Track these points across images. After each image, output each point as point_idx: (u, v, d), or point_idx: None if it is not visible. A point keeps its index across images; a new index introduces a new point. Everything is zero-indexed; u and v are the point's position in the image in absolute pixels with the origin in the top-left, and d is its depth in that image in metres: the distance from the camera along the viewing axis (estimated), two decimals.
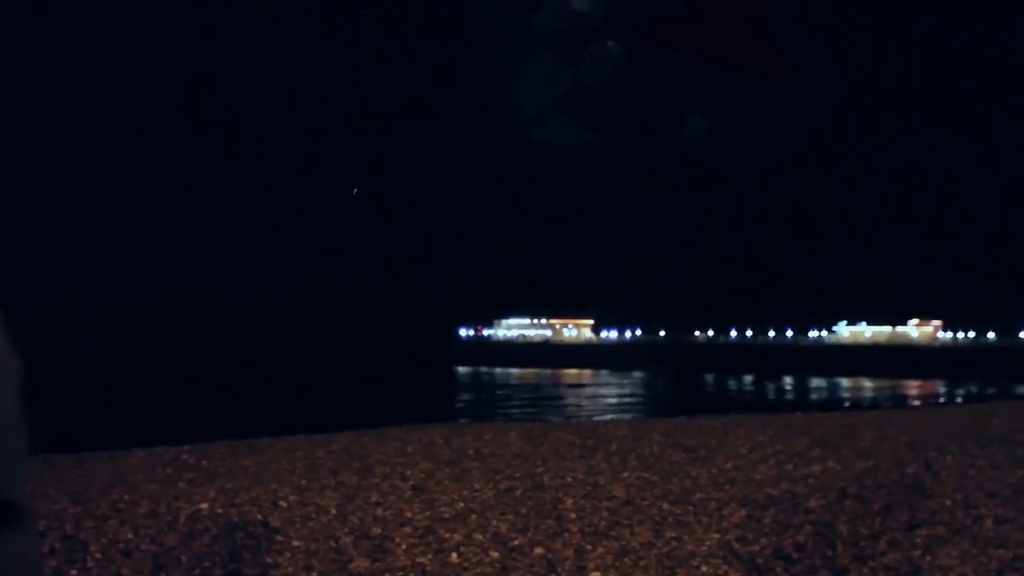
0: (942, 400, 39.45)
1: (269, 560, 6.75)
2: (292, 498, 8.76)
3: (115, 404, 30.31)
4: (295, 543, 7.18)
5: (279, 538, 7.32)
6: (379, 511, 8.25)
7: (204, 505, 8.39)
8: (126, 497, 8.84)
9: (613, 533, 7.47)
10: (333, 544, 7.16)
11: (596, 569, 6.47)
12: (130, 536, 7.36)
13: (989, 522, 7.65)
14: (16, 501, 1.37)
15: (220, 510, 8.22)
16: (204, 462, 11.34)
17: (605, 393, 45.36)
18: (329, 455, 11.86)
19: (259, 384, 45.10)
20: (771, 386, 52.87)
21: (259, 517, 8.00)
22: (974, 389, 48.41)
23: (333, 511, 8.25)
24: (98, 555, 6.84)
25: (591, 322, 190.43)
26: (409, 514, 8.13)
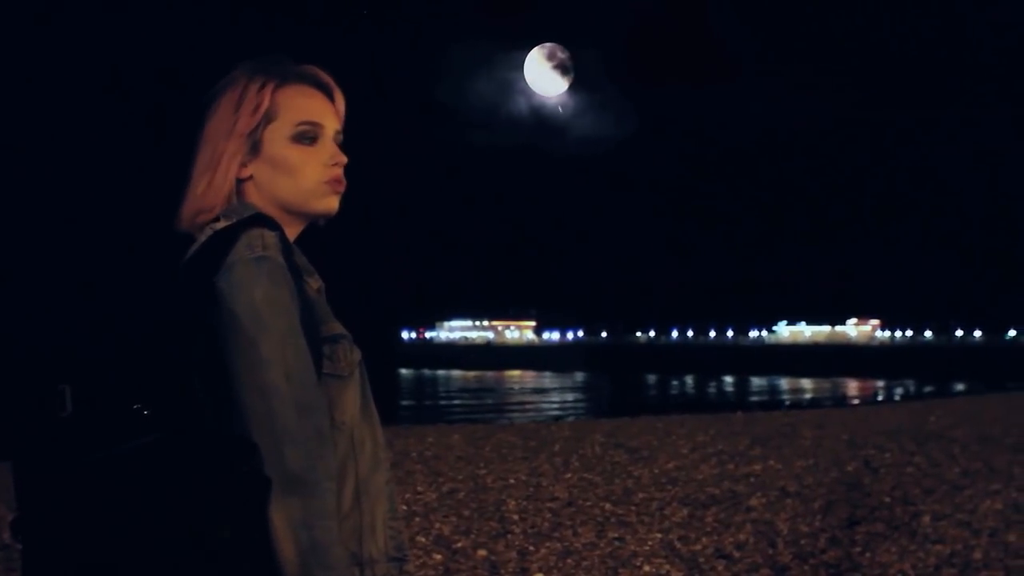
0: (880, 399, 39.83)
1: None
2: None
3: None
4: None
5: None
6: None
7: None
8: None
9: (556, 534, 7.48)
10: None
11: (539, 570, 6.47)
12: None
13: (927, 519, 7.74)
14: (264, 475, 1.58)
15: None
16: None
17: (547, 394, 45.43)
18: None
19: None
20: (712, 386, 53.15)
21: None
22: (912, 387, 48.98)
23: None
24: None
25: (533, 324, 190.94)
26: None
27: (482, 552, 6.92)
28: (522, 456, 11.90)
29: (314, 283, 1.84)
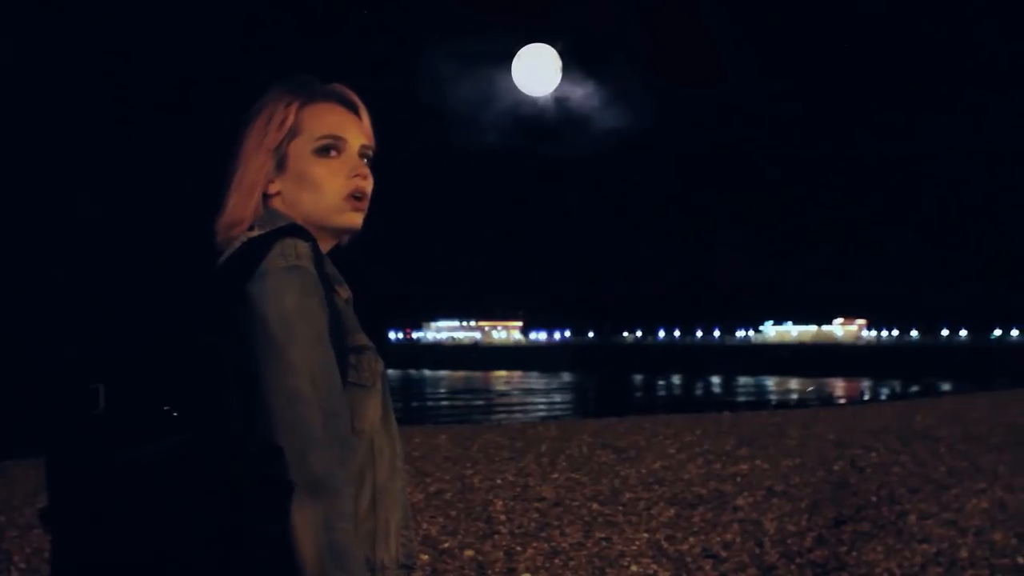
0: (867, 398, 39.91)
1: None
2: None
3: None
4: None
5: None
6: None
7: None
8: None
9: (543, 534, 7.48)
10: None
11: (526, 570, 6.47)
12: None
13: (913, 518, 7.76)
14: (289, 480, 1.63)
15: None
16: None
17: (534, 395, 45.44)
18: None
19: None
20: (699, 386, 53.20)
21: None
22: (898, 387, 49.08)
23: None
24: (22, 565, 6.74)
25: (520, 324, 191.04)
26: None
27: (469, 552, 6.91)
28: (509, 456, 11.89)
29: (343, 293, 1.89)
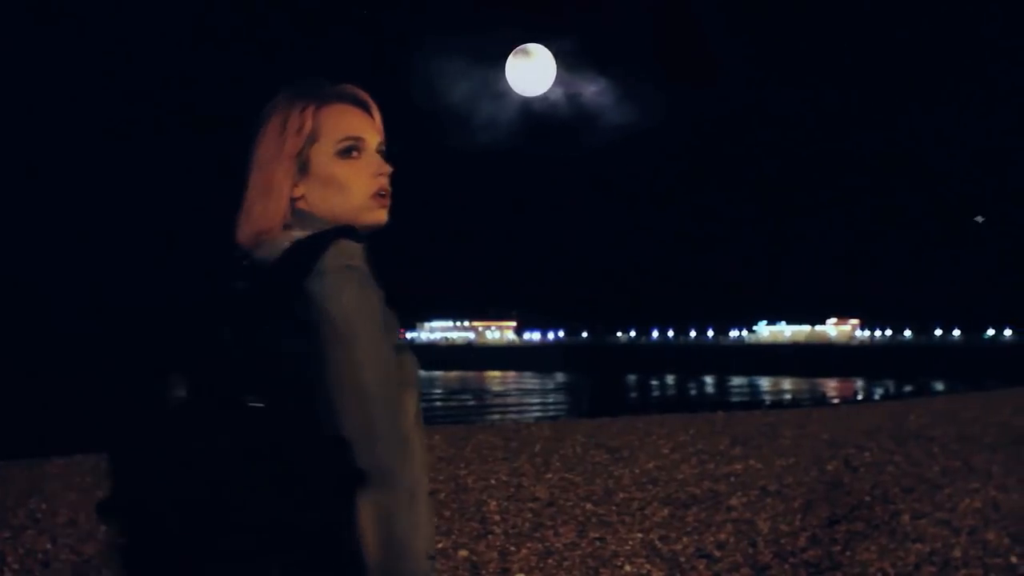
0: (860, 398, 39.95)
1: None
2: None
3: (31, 411, 29.81)
4: None
5: None
6: None
7: None
8: (44, 506, 8.71)
9: (537, 534, 7.48)
10: None
11: (520, 571, 6.47)
12: (49, 546, 7.25)
13: (906, 517, 7.77)
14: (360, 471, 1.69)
15: None
16: None
17: (528, 395, 45.43)
18: None
19: None
20: (693, 386, 53.23)
21: None
22: (891, 387, 49.14)
23: None
24: (16, 566, 6.73)
25: (514, 324, 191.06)
26: None
27: (463, 552, 6.91)
28: (503, 457, 11.89)
29: (380, 293, 1.92)
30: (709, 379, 60.21)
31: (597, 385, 54.42)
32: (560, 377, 65.66)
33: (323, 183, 1.94)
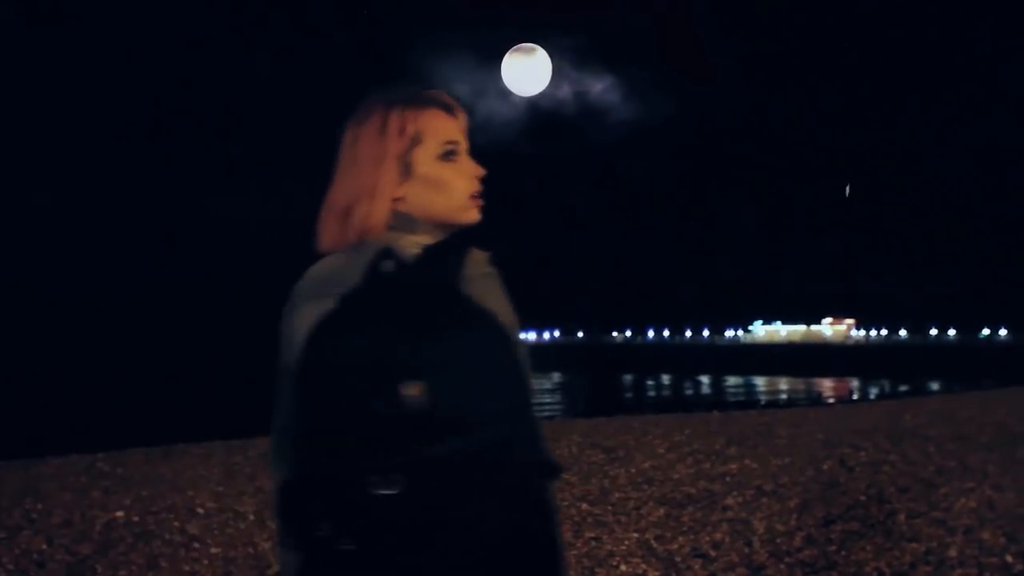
0: (856, 397, 39.98)
1: (187, 568, 6.67)
2: (210, 505, 8.67)
3: (26, 411, 29.78)
4: (213, 550, 7.11)
5: (197, 545, 7.25)
6: None
7: (120, 513, 8.28)
8: (39, 506, 8.70)
9: None
10: (252, 551, 7.10)
11: None
12: (44, 547, 7.24)
13: (902, 517, 7.77)
14: (555, 460, 1.86)
15: (136, 518, 8.12)
16: (119, 470, 11.19)
17: None
18: (247, 460, 11.76)
19: (174, 390, 44.56)
20: (688, 386, 53.22)
21: (176, 525, 7.91)
22: (887, 386, 49.17)
23: (252, 517, 8.18)
24: (11, 566, 6.72)
25: None
26: None
27: None
28: None
29: None
30: (705, 379, 60.21)
31: (592, 385, 54.43)
32: (556, 377, 65.63)
33: (426, 185, 2.02)
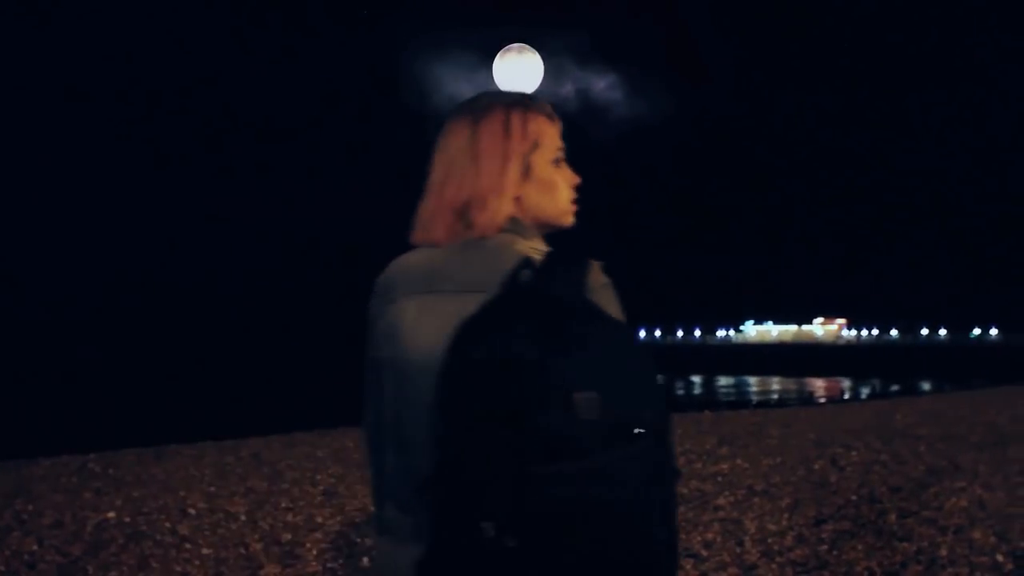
0: (847, 397, 40.04)
1: (178, 569, 6.66)
2: (201, 505, 8.67)
3: (17, 412, 29.73)
4: (204, 551, 7.11)
5: (188, 546, 7.24)
6: (289, 517, 8.19)
7: (111, 514, 8.27)
8: (30, 507, 8.69)
9: None
10: (243, 551, 7.10)
11: None
12: (35, 547, 7.23)
13: (893, 516, 7.79)
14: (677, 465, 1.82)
15: (127, 519, 8.11)
16: (111, 470, 11.18)
17: None
18: (238, 461, 11.75)
19: (166, 390, 44.50)
20: (680, 385, 53.25)
21: (168, 525, 7.90)
22: (878, 386, 49.25)
23: (243, 518, 8.17)
24: (1, 568, 6.71)
25: None
26: (320, 519, 8.08)
27: None
28: None
29: None
30: (696, 378, 60.26)
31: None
32: None
33: (540, 187, 2.09)
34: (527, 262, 1.85)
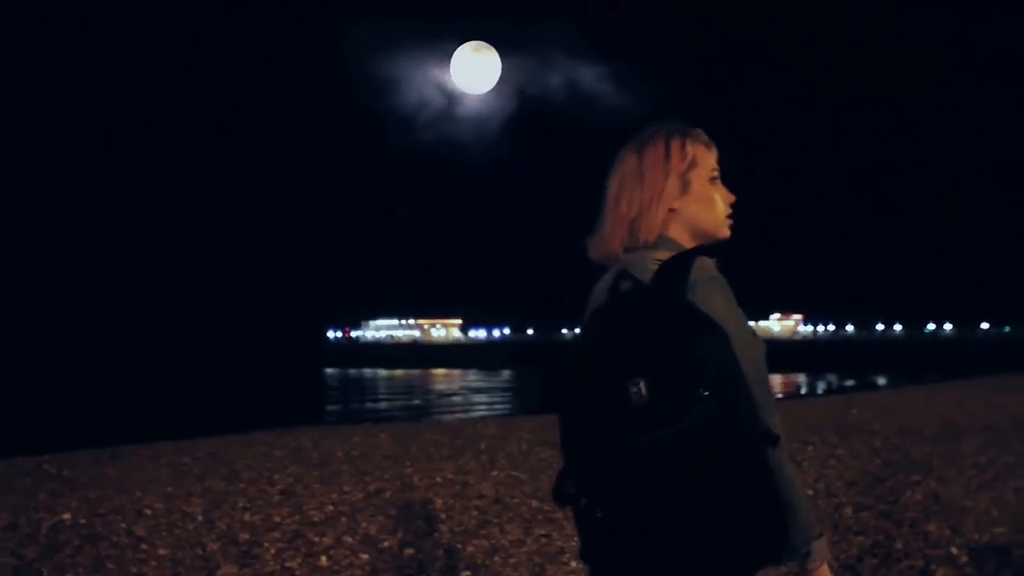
0: (803, 393, 40.31)
1: (134, 570, 6.62)
2: (158, 506, 8.61)
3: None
4: (161, 551, 7.06)
5: (144, 547, 7.19)
6: (247, 517, 8.15)
7: (66, 515, 8.20)
8: None
9: (483, 532, 7.48)
10: (200, 551, 7.06)
11: (466, 568, 6.47)
12: None
13: (849, 510, 7.85)
14: (772, 429, 2.07)
15: (83, 520, 8.04)
16: (66, 471, 11.09)
17: (474, 393, 45.42)
18: (195, 461, 11.68)
19: (122, 390, 44.20)
20: None
21: (124, 526, 7.85)
22: (834, 381, 49.60)
23: (200, 518, 8.13)
24: None
25: (459, 322, 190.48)
26: (277, 519, 8.05)
27: (409, 551, 6.91)
28: (448, 455, 11.89)
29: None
30: None
31: (543, 382, 54.50)
32: (506, 374, 65.66)
33: (698, 200, 2.40)
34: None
